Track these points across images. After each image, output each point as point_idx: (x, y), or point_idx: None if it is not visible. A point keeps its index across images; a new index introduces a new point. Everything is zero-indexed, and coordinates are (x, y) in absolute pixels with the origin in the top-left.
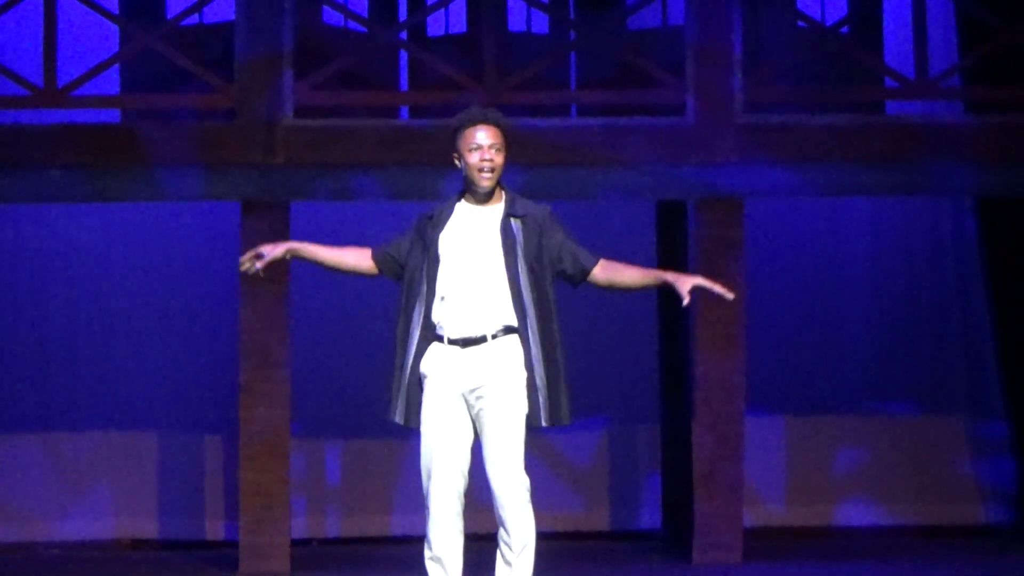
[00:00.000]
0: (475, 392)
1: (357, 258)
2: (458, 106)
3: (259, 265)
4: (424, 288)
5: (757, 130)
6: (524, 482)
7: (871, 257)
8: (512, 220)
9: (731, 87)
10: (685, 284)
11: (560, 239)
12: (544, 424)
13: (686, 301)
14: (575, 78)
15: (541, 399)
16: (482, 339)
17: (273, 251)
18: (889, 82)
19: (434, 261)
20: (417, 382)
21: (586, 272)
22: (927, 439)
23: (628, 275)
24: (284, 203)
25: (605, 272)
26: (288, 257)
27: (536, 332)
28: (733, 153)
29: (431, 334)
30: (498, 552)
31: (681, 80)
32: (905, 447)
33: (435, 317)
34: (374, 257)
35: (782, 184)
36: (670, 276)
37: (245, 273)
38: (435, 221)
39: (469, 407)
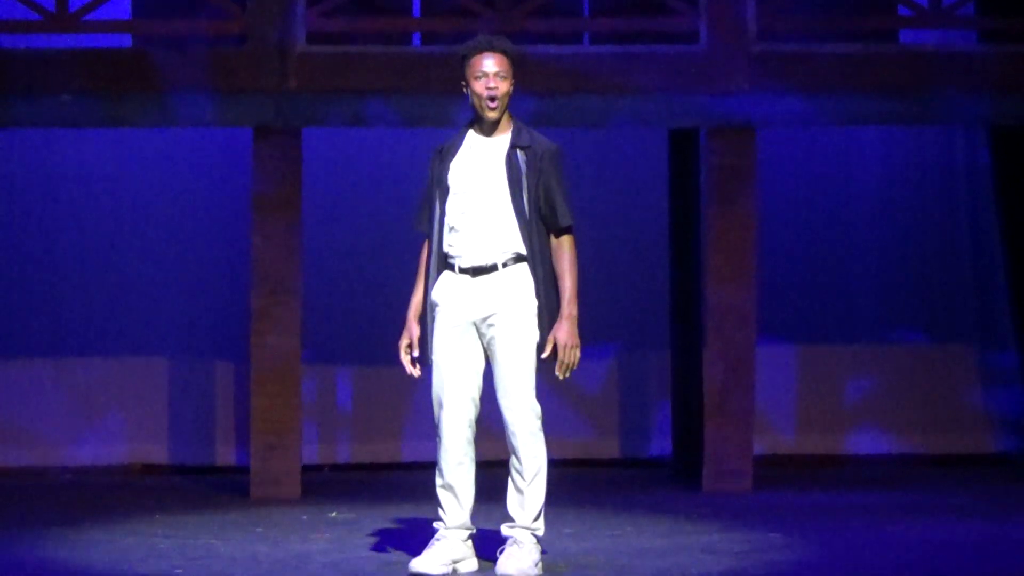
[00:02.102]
0: (487, 320)
1: (428, 254)
2: (471, 33)
3: (416, 352)
4: (436, 218)
5: (770, 58)
6: (536, 410)
7: (883, 186)
8: (518, 151)
9: (745, 15)
10: (552, 334)
11: (551, 183)
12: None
13: (546, 352)
14: (588, 5)
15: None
16: (492, 268)
17: (413, 333)
18: (903, 10)
19: (445, 191)
20: (430, 311)
21: (554, 228)
22: (937, 368)
23: (558, 268)
24: (296, 129)
25: (558, 246)
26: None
27: (541, 262)
28: (746, 81)
29: (443, 263)
30: (510, 479)
31: (695, 7)
32: (915, 376)
33: (447, 247)
34: (427, 234)
35: (795, 113)
36: (564, 308)
37: (257, 204)
38: (445, 152)
39: (480, 335)
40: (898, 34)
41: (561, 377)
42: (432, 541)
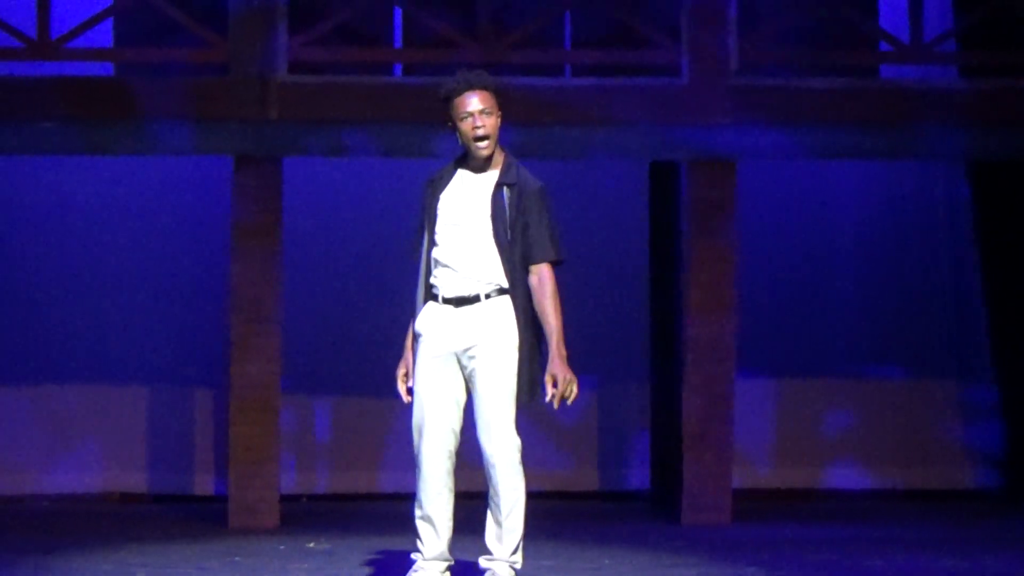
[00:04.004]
0: (468, 351)
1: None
2: (453, 63)
3: (412, 381)
4: (424, 249)
5: (751, 92)
6: (515, 442)
7: (863, 220)
8: (504, 188)
9: (726, 48)
10: (548, 374)
11: (532, 221)
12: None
13: (548, 395)
14: (570, 37)
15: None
16: (475, 298)
17: (410, 362)
18: (884, 46)
19: (432, 223)
20: (414, 341)
21: (529, 261)
22: (916, 403)
23: (539, 305)
24: (276, 158)
25: (537, 282)
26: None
27: (522, 298)
28: (727, 114)
29: (429, 294)
30: (488, 512)
31: (676, 41)
32: (894, 411)
33: (432, 277)
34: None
35: (775, 146)
36: (553, 349)
37: (238, 233)
38: (436, 184)
39: (462, 367)
40: (879, 69)
41: (556, 406)
42: (410, 572)
